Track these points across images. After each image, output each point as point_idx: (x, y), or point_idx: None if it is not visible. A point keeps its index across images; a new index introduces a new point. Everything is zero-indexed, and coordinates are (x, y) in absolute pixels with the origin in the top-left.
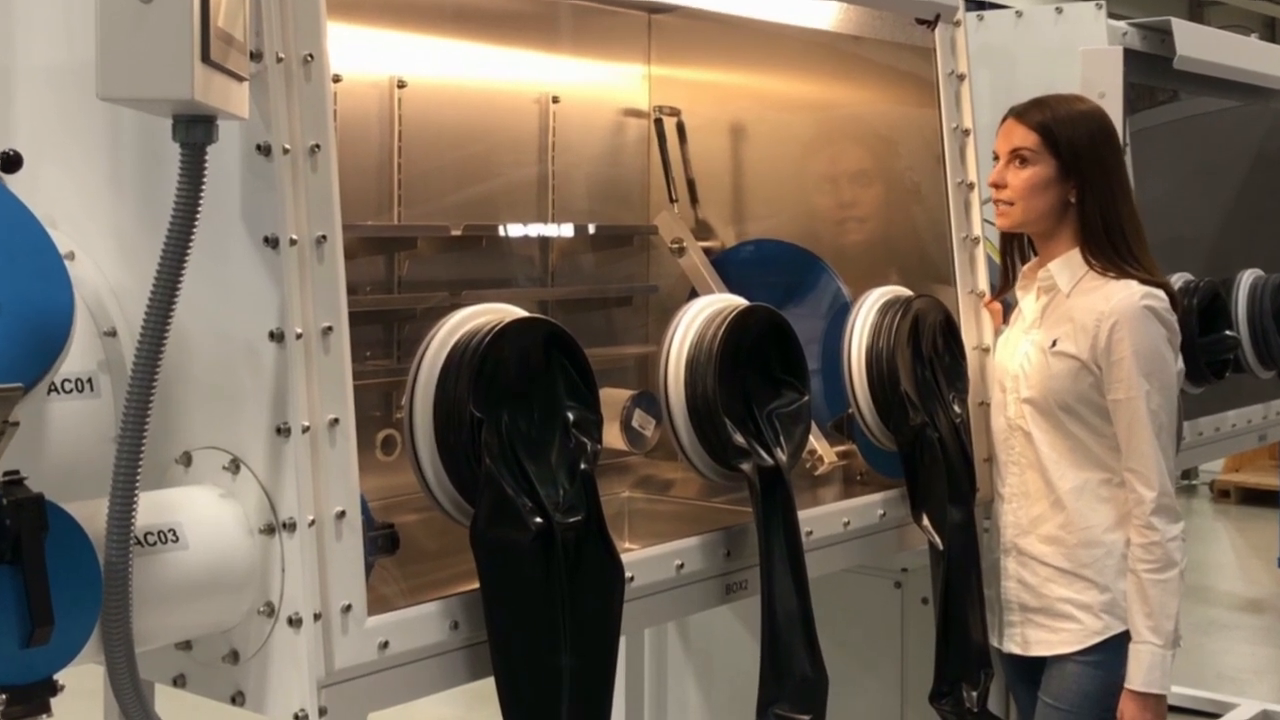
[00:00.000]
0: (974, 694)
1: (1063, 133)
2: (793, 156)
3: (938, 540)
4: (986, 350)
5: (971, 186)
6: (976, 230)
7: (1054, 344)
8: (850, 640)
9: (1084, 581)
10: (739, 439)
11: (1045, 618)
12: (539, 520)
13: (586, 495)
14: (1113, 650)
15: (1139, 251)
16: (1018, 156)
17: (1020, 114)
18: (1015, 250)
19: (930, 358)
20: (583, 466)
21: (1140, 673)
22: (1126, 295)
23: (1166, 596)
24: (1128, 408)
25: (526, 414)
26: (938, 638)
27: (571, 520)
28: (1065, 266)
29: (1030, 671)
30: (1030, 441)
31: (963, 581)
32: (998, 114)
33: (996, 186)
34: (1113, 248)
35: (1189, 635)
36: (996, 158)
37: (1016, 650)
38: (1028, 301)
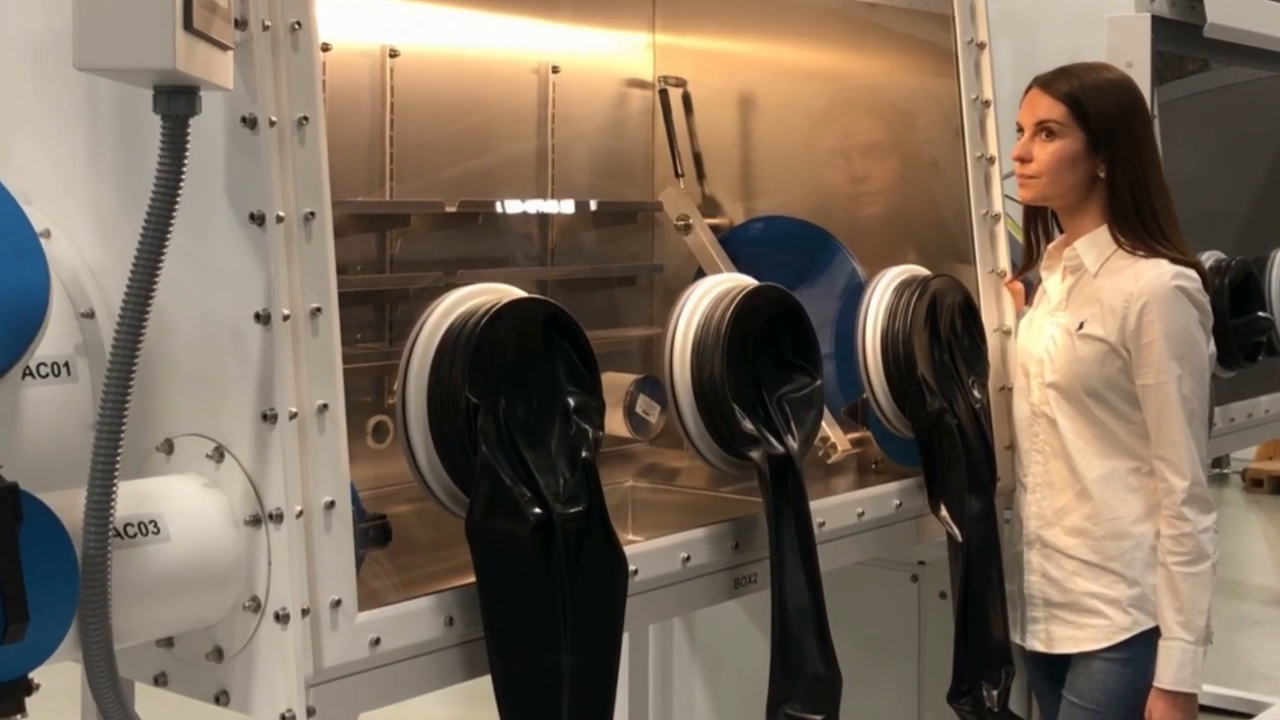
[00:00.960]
0: (994, 693)
1: (1092, 103)
2: (804, 129)
3: (956, 532)
4: (1008, 332)
5: (992, 161)
6: (997, 206)
7: (1081, 326)
8: (865, 637)
9: (1111, 575)
10: (748, 425)
11: (1071, 613)
12: (538, 511)
13: (588, 485)
14: (1141, 647)
15: (1169, 229)
16: (1044, 129)
17: (1046, 84)
18: (1039, 226)
19: (949, 340)
20: (584, 454)
21: (1170, 670)
22: (1157, 275)
23: (1198, 590)
24: (1158, 393)
25: (525, 399)
26: (956, 634)
27: (572, 511)
28: (1092, 245)
29: (1054, 669)
30: (1055, 428)
31: (983, 575)
32: (1019, 84)
33: (1021, 160)
34: (1142, 225)
35: (1220, 631)
36: (1020, 130)
37: (1040, 647)
38: (1052, 282)
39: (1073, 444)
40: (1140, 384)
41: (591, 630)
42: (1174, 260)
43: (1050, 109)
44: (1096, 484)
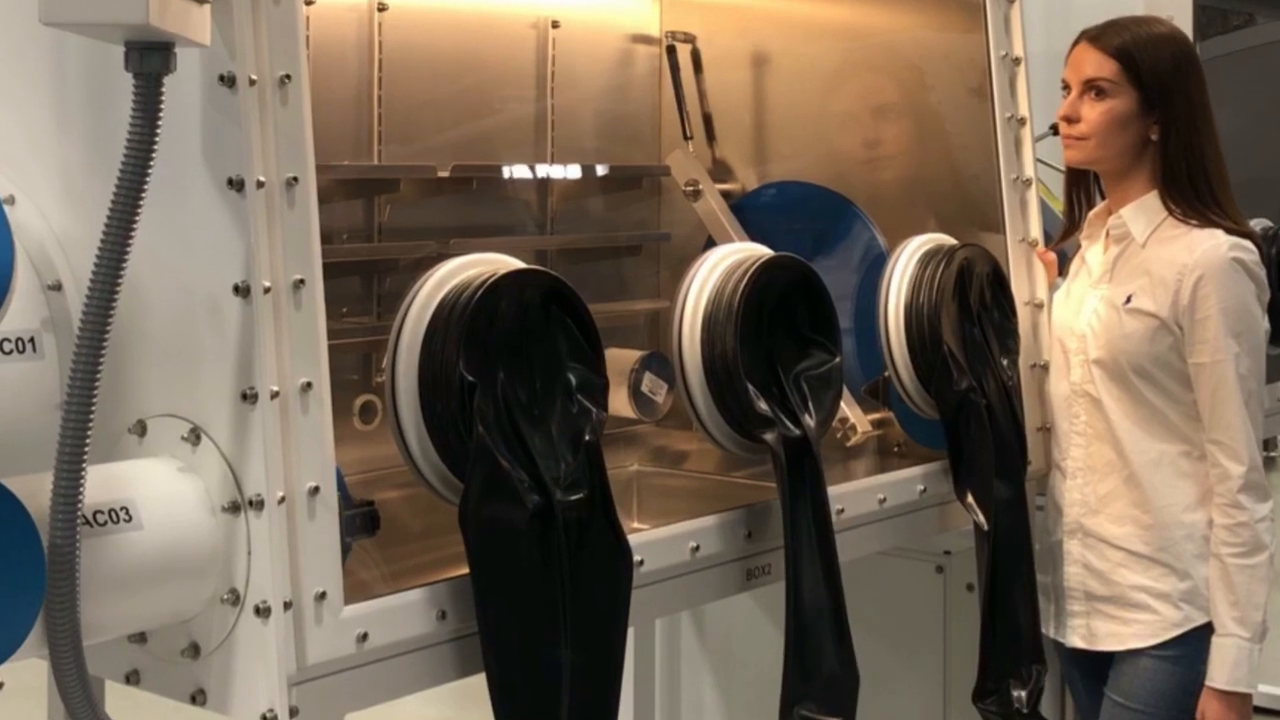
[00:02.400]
0: (1023, 693)
1: (1145, 60)
2: (821, 89)
3: (982, 520)
4: (1040, 306)
5: (1023, 122)
6: (1028, 171)
7: (1128, 300)
8: (887, 632)
9: (1161, 567)
10: (762, 406)
11: (1115, 607)
12: (537, 497)
13: (591, 469)
14: (1192, 644)
15: (1223, 197)
16: (1093, 87)
17: (1095, 38)
18: (1081, 191)
19: (977, 314)
20: (587, 437)
21: (1225, 669)
22: (1213, 246)
23: (1254, 584)
24: (1213, 372)
25: (524, 378)
26: (983, 629)
27: (574, 498)
28: (1140, 212)
29: (1094, 666)
30: (1099, 409)
31: (1012, 566)
32: (1052, 42)
33: (1069, 120)
34: (1195, 192)
35: (1276, 627)
36: (1066, 88)
37: (1080, 644)
38: (1094, 252)
39: (1119, 426)
40: (1193, 362)
41: (594, 625)
42: (1229, 230)
43: (1100, 65)
44: (1144, 469)
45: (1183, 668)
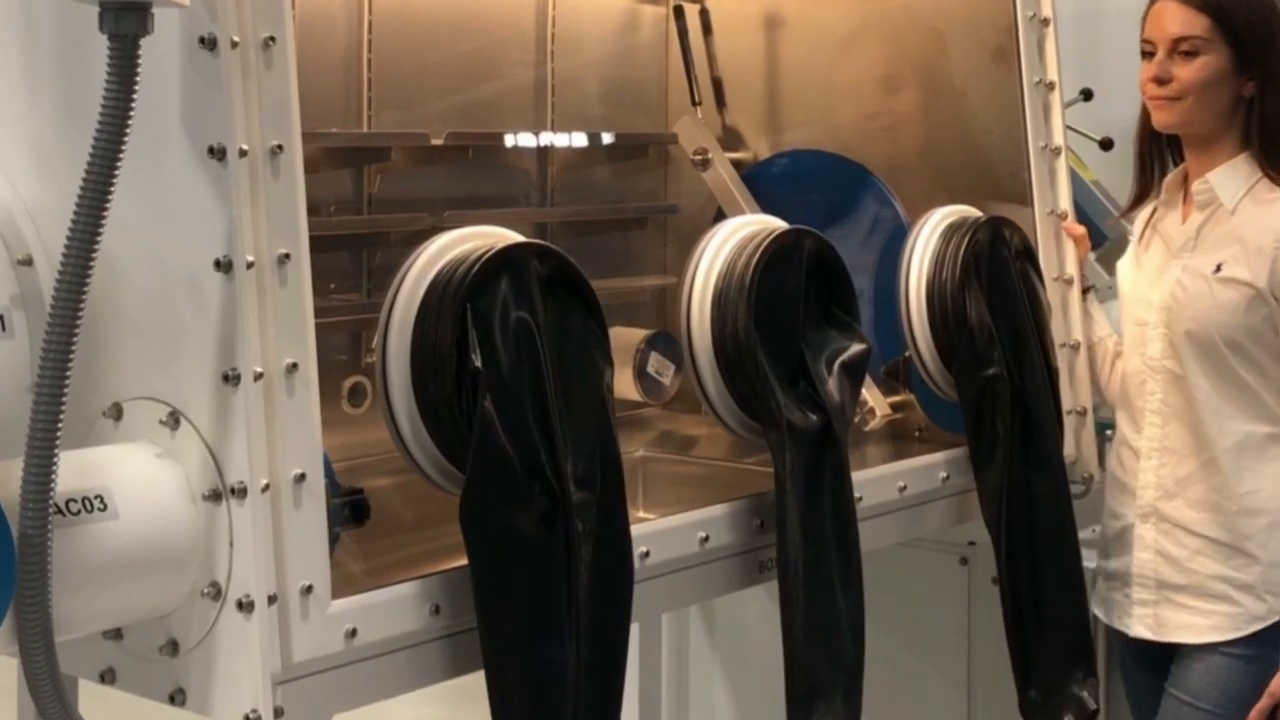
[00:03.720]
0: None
1: (1239, 15)
2: (836, 53)
3: (997, 511)
4: (1070, 282)
5: (1052, 87)
6: (1058, 139)
7: (1218, 269)
8: (907, 629)
9: (1244, 557)
10: (776, 388)
11: (1190, 597)
12: (543, 488)
13: (603, 455)
14: (1273, 641)
15: None
16: (1183, 46)
17: None
18: (1156, 156)
19: (1005, 290)
20: (594, 420)
21: None
22: None
23: None
24: None
25: (525, 359)
26: (1012, 630)
27: (578, 486)
28: (1230, 176)
29: (1157, 658)
30: (1178, 386)
31: (1055, 564)
32: (1079, 2)
33: (1159, 81)
34: None
35: None
36: (1148, 48)
37: (1145, 633)
38: (1171, 220)
39: (1203, 404)
40: None
41: (597, 620)
42: None
43: (1190, 23)
44: (1228, 452)
45: (1258, 667)
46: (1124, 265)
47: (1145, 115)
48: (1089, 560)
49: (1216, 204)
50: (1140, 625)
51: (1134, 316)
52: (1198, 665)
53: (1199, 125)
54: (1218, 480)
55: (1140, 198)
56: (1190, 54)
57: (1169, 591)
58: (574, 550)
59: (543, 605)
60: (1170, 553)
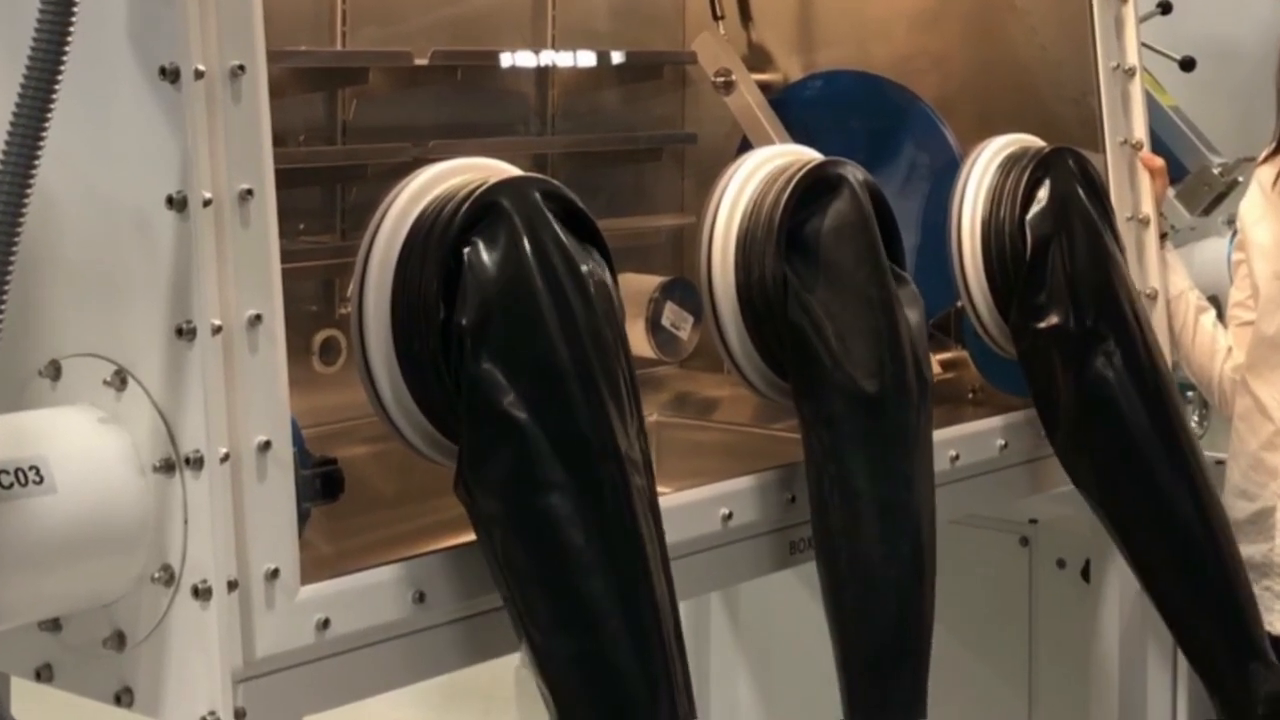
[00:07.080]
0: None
1: None
2: None
3: (1092, 495)
4: (1145, 222)
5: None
6: (1131, 58)
7: None
8: (961, 615)
9: None
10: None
11: None
12: (552, 450)
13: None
14: None
15: None
16: None
17: None
18: None
19: (1076, 230)
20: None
21: None
22: None
23: None
24: None
25: (522, 309)
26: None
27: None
28: None
29: None
30: None
31: (1201, 553)
32: None
33: None
34: None
35: None
36: None
37: None
38: None
39: None
40: None
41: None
42: None
43: None
44: None
45: None
46: (1247, 213)
47: None
48: None
49: None
50: None
51: (1274, 273)
52: None
53: None
54: None
55: None
56: None
57: None
58: (639, 516)
59: (614, 584)
60: None
